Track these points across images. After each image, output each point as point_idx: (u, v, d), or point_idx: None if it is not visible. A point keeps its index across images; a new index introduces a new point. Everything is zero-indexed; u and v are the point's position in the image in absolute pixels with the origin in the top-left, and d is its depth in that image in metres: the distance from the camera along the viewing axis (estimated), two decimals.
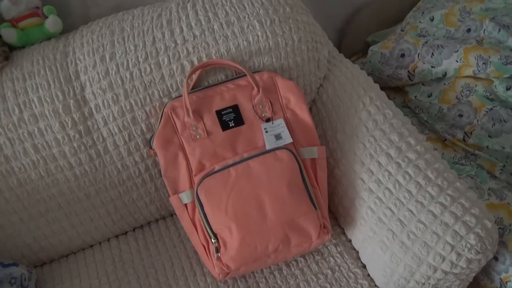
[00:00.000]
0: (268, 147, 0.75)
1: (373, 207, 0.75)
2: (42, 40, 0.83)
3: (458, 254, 0.67)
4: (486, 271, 0.82)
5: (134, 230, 0.92)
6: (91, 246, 0.90)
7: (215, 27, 0.79)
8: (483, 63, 0.96)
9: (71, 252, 0.89)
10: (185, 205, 0.75)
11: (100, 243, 0.90)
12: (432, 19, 1.11)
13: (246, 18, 0.80)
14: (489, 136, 0.93)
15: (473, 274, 0.73)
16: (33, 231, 0.82)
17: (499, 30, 1.00)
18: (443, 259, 0.68)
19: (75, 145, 0.78)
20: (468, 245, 0.67)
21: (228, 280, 0.79)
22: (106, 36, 0.79)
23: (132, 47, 0.78)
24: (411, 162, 0.75)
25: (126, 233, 0.91)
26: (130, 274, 0.82)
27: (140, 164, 0.82)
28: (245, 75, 0.78)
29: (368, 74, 1.08)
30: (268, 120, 0.78)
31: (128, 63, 0.77)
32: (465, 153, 0.97)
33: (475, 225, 0.68)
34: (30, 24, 0.81)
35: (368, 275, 0.78)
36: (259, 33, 0.80)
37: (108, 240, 0.90)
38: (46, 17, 0.82)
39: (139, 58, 0.77)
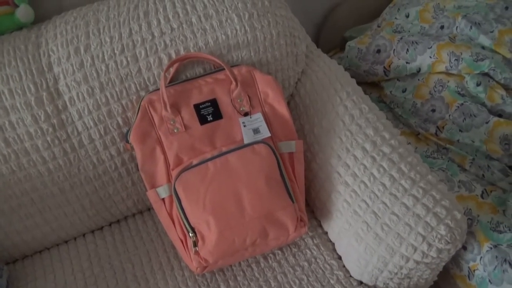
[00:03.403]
0: (246, 141, 0.75)
1: (348, 200, 0.76)
2: (13, 30, 0.80)
3: (429, 245, 0.70)
4: (455, 260, 0.86)
5: (110, 225, 0.90)
6: (66, 241, 0.88)
7: (193, 20, 0.78)
8: (455, 59, 0.99)
9: (45, 248, 0.87)
10: (163, 199, 0.75)
11: (75, 238, 0.88)
12: (407, 16, 1.13)
13: (225, 12, 0.79)
14: (460, 130, 0.96)
15: (443, 263, 0.76)
16: (4, 227, 0.80)
17: (471, 27, 1.03)
18: (415, 249, 0.70)
19: (48, 138, 0.76)
20: (439, 236, 0.69)
21: (206, 273, 0.79)
22: (81, 27, 0.77)
23: (107, 39, 0.76)
24: (386, 155, 0.76)
25: (102, 228, 0.90)
26: (106, 269, 0.81)
27: (117, 158, 0.81)
28: (224, 69, 0.78)
29: (345, 69, 1.09)
30: (246, 114, 0.78)
31: (103, 55, 0.76)
32: (437, 147, 1.00)
33: (445, 217, 0.70)
34: None
35: (344, 266, 0.80)
36: (238, 27, 0.79)
37: (84, 235, 0.89)
38: (17, 6, 0.79)
39: (115, 50, 0.76)
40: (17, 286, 0.81)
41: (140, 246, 0.85)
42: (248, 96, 0.79)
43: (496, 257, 0.80)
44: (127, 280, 0.80)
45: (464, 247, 0.84)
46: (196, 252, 0.72)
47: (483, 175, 0.93)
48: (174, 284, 0.78)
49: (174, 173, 0.74)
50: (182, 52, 0.78)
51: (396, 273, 0.73)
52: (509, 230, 0.82)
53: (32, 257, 0.87)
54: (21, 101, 0.73)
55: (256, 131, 0.77)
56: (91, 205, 0.84)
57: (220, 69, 0.79)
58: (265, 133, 0.76)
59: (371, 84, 1.15)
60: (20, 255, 0.86)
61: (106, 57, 0.76)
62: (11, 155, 0.75)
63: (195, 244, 0.72)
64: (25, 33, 0.78)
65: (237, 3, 0.80)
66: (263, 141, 0.75)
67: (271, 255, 0.81)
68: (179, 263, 0.81)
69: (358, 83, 0.91)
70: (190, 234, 0.72)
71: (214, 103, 0.77)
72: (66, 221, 0.84)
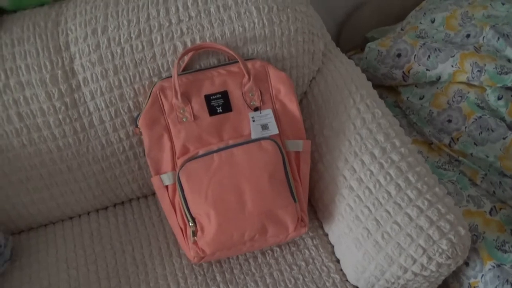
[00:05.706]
0: (253, 136, 0.75)
1: (352, 204, 0.76)
2: (35, 6, 0.81)
3: (429, 258, 0.68)
4: (456, 275, 0.84)
5: (115, 206, 0.92)
6: (71, 218, 0.90)
7: (212, 9, 0.78)
8: (478, 70, 0.96)
9: (50, 223, 0.89)
10: (166, 186, 0.75)
11: (79, 216, 0.90)
12: (433, 21, 1.10)
13: (244, 3, 0.78)
14: (474, 143, 0.94)
15: (443, 278, 0.75)
16: (12, 198, 0.82)
17: (498, 38, 0.99)
18: (414, 261, 0.69)
19: (60, 116, 0.77)
20: (440, 250, 0.68)
21: (203, 263, 0.80)
22: (100, 8, 0.77)
23: (125, 22, 0.76)
24: (394, 163, 0.75)
25: (106, 208, 0.91)
26: (107, 249, 0.83)
27: (125, 141, 0.82)
28: (238, 61, 0.78)
29: (363, 71, 1.08)
30: (256, 109, 0.78)
31: (120, 38, 0.76)
32: (449, 159, 0.98)
33: (449, 231, 0.69)
34: None
35: (341, 270, 0.80)
36: (256, 20, 0.78)
37: (88, 213, 0.90)
38: None
39: (132, 34, 0.76)
40: (20, 257, 0.83)
41: (141, 230, 0.86)
42: (260, 91, 0.78)
43: (498, 276, 0.78)
44: (126, 262, 0.81)
45: (466, 263, 0.82)
46: (195, 242, 0.73)
47: (494, 191, 0.91)
48: (171, 270, 0.79)
49: (179, 162, 0.74)
50: (198, 41, 0.78)
51: (393, 283, 0.72)
52: None
53: (37, 230, 0.89)
54: (37, 78, 0.74)
55: (264, 127, 0.76)
56: (97, 185, 0.86)
57: (234, 62, 0.78)
58: (274, 130, 0.76)
59: (388, 88, 1.13)
60: (26, 227, 0.88)
61: (122, 41, 0.76)
62: (23, 130, 0.76)
63: (194, 234, 0.72)
64: (46, 10, 0.79)
65: None
66: (270, 138, 0.74)
67: (269, 251, 0.81)
68: (177, 251, 0.82)
69: (375, 86, 0.89)
70: (190, 224, 0.72)
71: (225, 95, 0.77)
72: (71, 198, 0.86)
